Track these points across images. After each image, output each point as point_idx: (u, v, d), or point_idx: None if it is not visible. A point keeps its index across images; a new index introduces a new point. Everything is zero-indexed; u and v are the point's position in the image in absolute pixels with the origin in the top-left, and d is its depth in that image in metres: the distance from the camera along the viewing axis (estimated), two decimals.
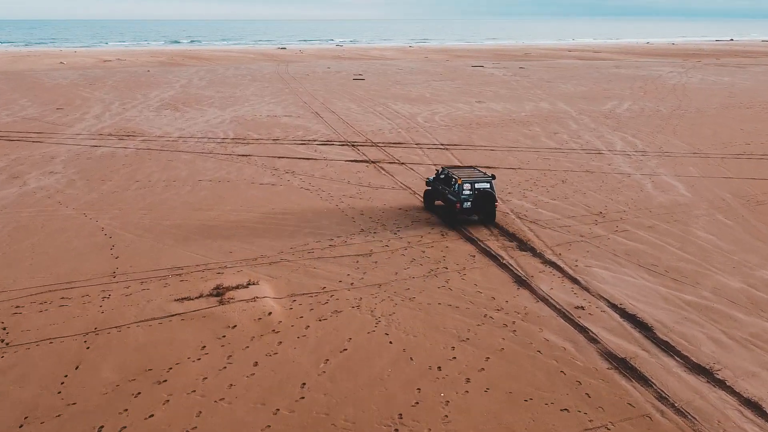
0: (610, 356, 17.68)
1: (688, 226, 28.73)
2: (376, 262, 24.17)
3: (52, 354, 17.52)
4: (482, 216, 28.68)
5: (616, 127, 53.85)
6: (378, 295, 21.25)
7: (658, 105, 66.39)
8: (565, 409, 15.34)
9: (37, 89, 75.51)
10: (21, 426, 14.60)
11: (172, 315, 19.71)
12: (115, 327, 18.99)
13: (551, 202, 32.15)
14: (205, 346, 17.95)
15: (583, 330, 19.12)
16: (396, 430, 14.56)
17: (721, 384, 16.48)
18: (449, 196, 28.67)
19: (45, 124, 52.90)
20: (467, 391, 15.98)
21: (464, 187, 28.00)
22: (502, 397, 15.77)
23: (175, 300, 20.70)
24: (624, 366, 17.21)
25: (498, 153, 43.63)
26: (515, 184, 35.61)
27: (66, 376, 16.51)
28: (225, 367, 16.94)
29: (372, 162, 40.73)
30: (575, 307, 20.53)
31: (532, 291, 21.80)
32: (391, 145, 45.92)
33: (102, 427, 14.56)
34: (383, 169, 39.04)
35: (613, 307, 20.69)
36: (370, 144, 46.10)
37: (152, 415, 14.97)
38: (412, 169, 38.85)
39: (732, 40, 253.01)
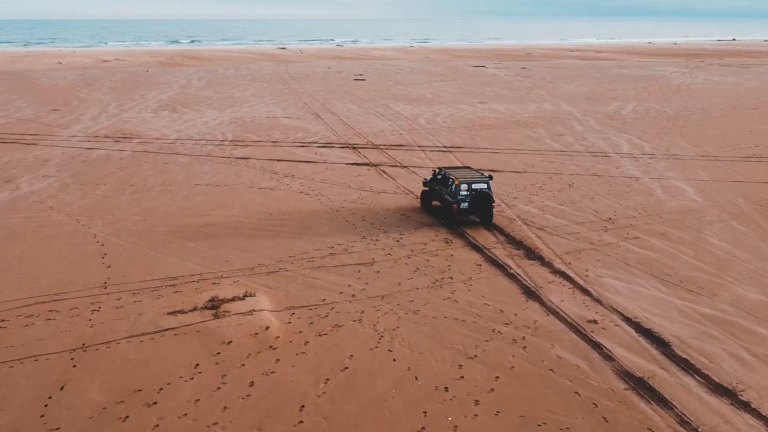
0: (626, 375, 16.72)
1: (701, 233, 27.75)
2: (378, 271, 23.20)
3: (36, 373, 16.56)
4: (480, 216, 28.45)
5: (621, 128, 52.87)
6: (380, 308, 20.29)
7: (663, 106, 65.39)
8: None
9: (34, 90, 74.55)
10: None
11: (165, 330, 18.75)
12: (105, 343, 18.03)
13: (558, 207, 31.18)
14: (198, 364, 16.99)
15: (596, 346, 18.15)
16: None
17: (746, 406, 15.51)
18: (446, 196, 28.57)
19: (40, 126, 51.94)
20: (476, 415, 15.02)
21: (461, 188, 27.86)
22: (514, 422, 14.79)
23: (168, 313, 19.74)
24: (642, 386, 16.25)
25: (502, 155, 42.65)
26: (521, 188, 34.63)
27: (50, 397, 15.54)
28: (219, 388, 15.98)
29: (373, 165, 39.76)
30: (588, 321, 19.56)
31: (542, 303, 20.83)
32: (393, 147, 44.96)
33: None
34: (385, 172, 38.07)
35: (627, 320, 19.72)
36: (371, 146, 45.13)
37: None
38: (414, 172, 37.87)
39: (734, 39, 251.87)
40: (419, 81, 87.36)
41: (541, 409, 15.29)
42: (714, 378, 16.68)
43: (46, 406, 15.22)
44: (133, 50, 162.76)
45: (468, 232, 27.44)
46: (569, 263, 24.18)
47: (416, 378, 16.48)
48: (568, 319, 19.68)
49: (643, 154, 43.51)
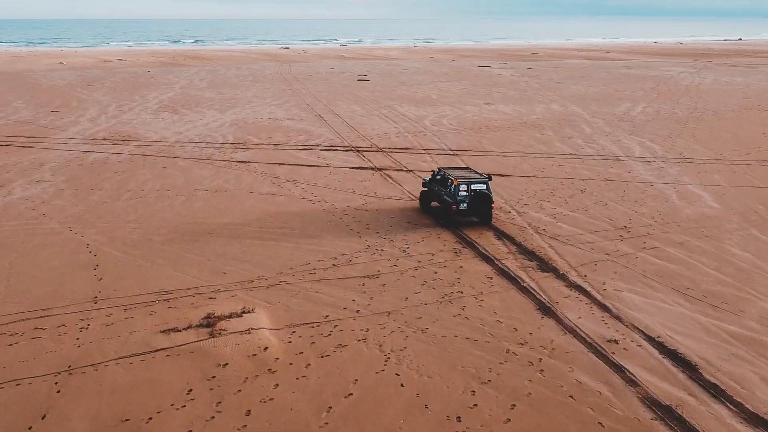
0: (653, 403, 15.48)
1: (722, 243, 26.48)
2: (383, 284, 21.99)
3: (17, 399, 15.38)
4: (479, 217, 28.08)
5: (632, 130, 51.55)
6: (387, 326, 19.08)
7: (673, 107, 64.04)
8: None
9: (33, 90, 73.51)
10: None
11: (157, 350, 17.56)
12: (92, 365, 16.84)
13: (571, 214, 29.93)
14: (191, 390, 15.79)
15: (619, 369, 16.91)
16: None
17: None
18: (445, 197, 28.22)
19: (38, 128, 50.82)
20: None
21: (460, 189, 27.52)
22: None
23: (160, 331, 18.55)
24: (670, 416, 15.00)
25: (511, 159, 41.39)
26: (531, 193, 33.38)
27: (30, 428, 14.36)
28: (213, 417, 14.78)
29: (378, 169, 38.56)
30: (608, 341, 18.31)
31: (558, 320, 19.59)
32: (398, 150, 43.73)
33: None
34: (390, 177, 36.86)
35: (650, 340, 18.47)
36: (375, 149, 43.92)
37: None
38: (420, 177, 36.60)
39: (740, 39, 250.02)
40: (424, 81, 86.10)
41: None
42: (748, 406, 15.43)
43: None
44: (135, 50, 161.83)
45: (477, 241, 26.22)
46: (585, 276, 22.93)
47: (426, 406, 15.26)
48: (587, 339, 18.44)
49: (655, 157, 42.21)
